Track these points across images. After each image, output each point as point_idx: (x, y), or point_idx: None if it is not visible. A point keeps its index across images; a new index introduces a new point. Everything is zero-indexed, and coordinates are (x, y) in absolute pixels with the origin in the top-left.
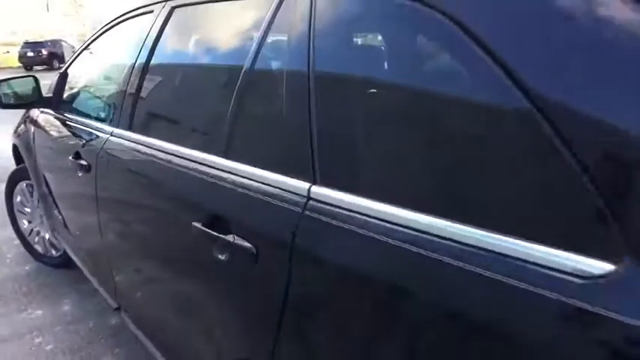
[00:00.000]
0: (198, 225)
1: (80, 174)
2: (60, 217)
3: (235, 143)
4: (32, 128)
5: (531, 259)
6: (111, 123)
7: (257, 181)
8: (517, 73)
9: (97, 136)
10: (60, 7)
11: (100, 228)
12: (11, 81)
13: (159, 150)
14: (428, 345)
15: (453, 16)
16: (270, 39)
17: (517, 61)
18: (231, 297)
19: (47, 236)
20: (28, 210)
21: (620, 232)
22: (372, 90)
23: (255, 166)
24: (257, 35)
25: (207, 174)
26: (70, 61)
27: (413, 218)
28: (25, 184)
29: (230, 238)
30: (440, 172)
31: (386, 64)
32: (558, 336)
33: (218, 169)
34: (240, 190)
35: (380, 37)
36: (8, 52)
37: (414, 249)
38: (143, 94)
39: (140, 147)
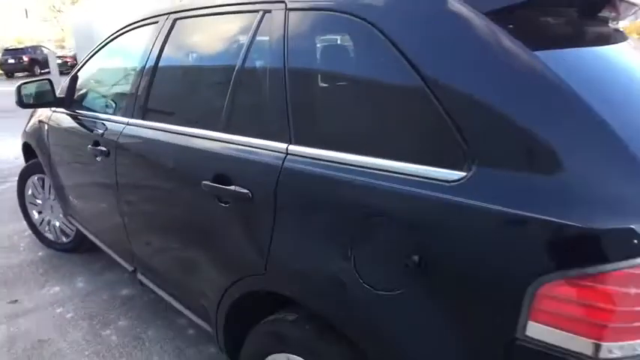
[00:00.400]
0: (207, 182)
1: (99, 159)
2: (76, 201)
3: (232, 121)
4: (45, 126)
5: (414, 174)
6: (126, 115)
7: (249, 146)
8: (413, 62)
9: (114, 127)
10: (38, 12)
11: (119, 203)
12: (29, 84)
13: (172, 132)
14: (351, 228)
15: (376, 25)
16: (255, 42)
17: (415, 54)
18: (233, 231)
19: (57, 224)
20: (39, 202)
21: (468, 152)
22: (325, 78)
23: (247, 136)
24: (246, 39)
25: (211, 145)
26: (80, 66)
27: (345, 157)
28: (36, 178)
29: (232, 188)
30: (362, 127)
31: (333, 60)
32: (427, 216)
33: (220, 140)
34: (237, 153)
35: (328, 41)
36: None
37: (346, 176)
38: (153, 90)
39: (156, 132)
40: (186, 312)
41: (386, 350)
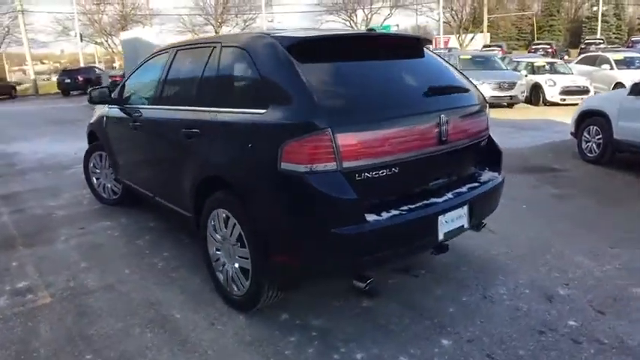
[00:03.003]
0: (184, 130)
1: (135, 131)
2: (122, 162)
3: (195, 99)
4: (104, 118)
5: (249, 112)
6: (148, 104)
7: (201, 111)
8: (256, 65)
9: (143, 111)
10: (91, 36)
11: (144, 154)
12: (95, 90)
13: (168, 109)
14: (229, 144)
15: (248, 52)
16: (208, 62)
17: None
18: (197, 151)
19: (109, 186)
20: (97, 171)
21: (268, 103)
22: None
23: (203, 106)
24: (205, 61)
25: (187, 113)
26: (127, 78)
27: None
28: (96, 154)
29: (196, 130)
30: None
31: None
32: (249, 129)
33: (192, 110)
34: (197, 114)
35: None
36: (48, 79)
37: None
38: (164, 89)
39: (161, 110)
40: (178, 209)
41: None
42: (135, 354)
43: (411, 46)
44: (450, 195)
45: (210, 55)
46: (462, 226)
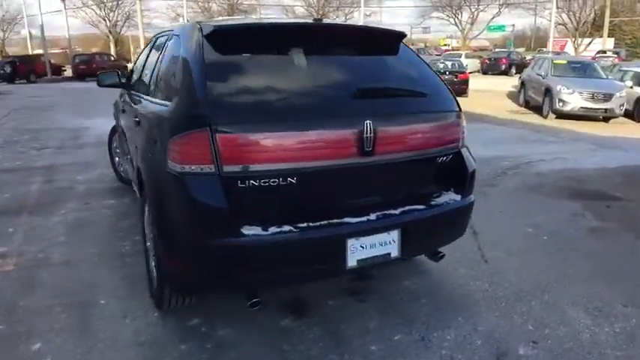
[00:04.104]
0: (134, 118)
1: (124, 114)
2: (118, 146)
3: (147, 87)
4: (120, 102)
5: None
6: (133, 89)
7: (142, 99)
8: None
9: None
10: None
11: (126, 139)
12: (104, 73)
13: (136, 97)
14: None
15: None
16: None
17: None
18: (141, 132)
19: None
20: (118, 151)
21: (174, 88)
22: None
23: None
24: (164, 47)
25: (141, 102)
26: (133, 63)
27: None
28: (117, 135)
29: (137, 119)
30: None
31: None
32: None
33: (143, 99)
34: (141, 104)
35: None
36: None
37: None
38: (139, 77)
39: (134, 97)
40: None
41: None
42: (37, 332)
43: (362, 40)
44: (372, 216)
45: (165, 42)
46: (388, 254)
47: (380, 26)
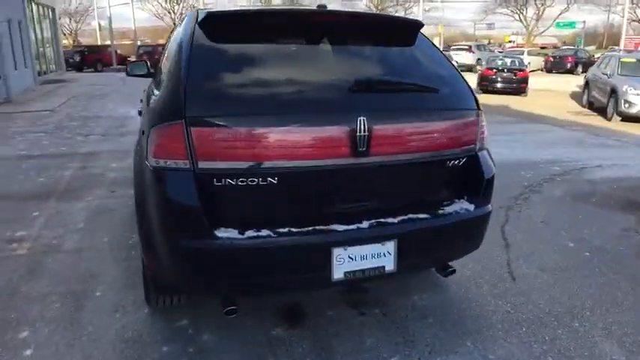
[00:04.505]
0: (139, 110)
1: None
2: None
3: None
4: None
5: (151, 93)
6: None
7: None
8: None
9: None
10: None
11: None
12: (133, 63)
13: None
14: None
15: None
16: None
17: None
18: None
19: None
20: None
21: (164, 77)
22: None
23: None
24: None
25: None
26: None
27: None
28: None
29: (141, 110)
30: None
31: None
32: None
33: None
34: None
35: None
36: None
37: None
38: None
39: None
40: None
41: None
42: (28, 320)
43: (371, 30)
44: (365, 224)
45: (174, 30)
46: (382, 267)
47: (397, 15)
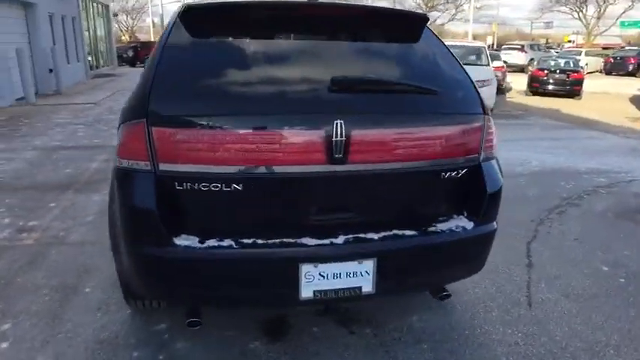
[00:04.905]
0: None
1: None
2: None
3: None
4: None
5: None
6: None
7: None
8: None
9: None
10: None
11: None
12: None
13: None
14: None
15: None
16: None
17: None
18: None
19: None
20: None
21: None
22: None
23: None
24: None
25: None
26: None
27: None
28: None
29: None
30: None
31: None
32: None
33: None
34: None
35: None
36: None
37: None
38: None
39: None
40: None
41: None
42: (13, 313)
43: (367, 24)
44: (339, 239)
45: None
46: (358, 288)
47: (398, 8)
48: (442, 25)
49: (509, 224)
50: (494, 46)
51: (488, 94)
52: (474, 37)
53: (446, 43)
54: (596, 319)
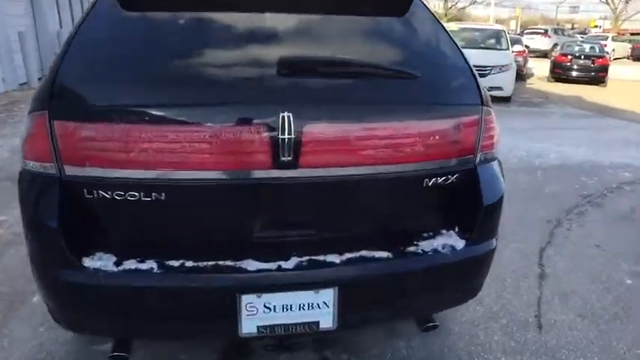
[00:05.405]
0: None
1: None
2: None
3: None
4: None
5: None
6: None
7: None
8: None
9: None
10: None
11: None
12: None
13: None
14: None
15: None
16: None
17: None
18: None
19: None
20: None
21: None
22: None
23: None
24: None
25: None
26: None
27: None
28: None
29: None
30: None
31: None
32: None
33: None
34: None
35: None
36: None
37: None
38: None
39: None
40: None
41: None
42: None
43: None
44: (289, 263)
45: None
46: (315, 323)
47: None
48: (463, 8)
49: (521, 226)
50: (518, 31)
51: (506, 80)
52: (497, 22)
53: (463, 26)
54: (617, 347)
